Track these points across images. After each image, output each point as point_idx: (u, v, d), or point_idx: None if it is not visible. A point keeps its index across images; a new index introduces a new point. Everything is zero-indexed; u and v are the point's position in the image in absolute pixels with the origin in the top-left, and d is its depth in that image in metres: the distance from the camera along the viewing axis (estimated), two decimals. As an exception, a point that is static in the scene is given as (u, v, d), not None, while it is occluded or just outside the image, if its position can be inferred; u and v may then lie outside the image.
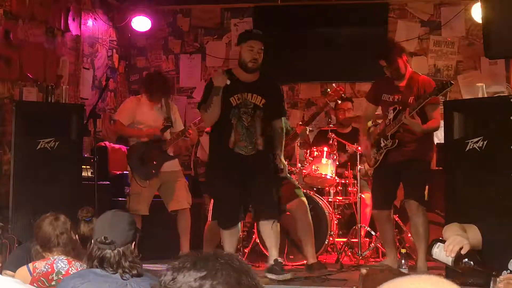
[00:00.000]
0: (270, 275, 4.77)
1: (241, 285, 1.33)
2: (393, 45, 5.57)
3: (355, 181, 6.25)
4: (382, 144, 5.31)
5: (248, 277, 1.35)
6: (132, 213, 5.72)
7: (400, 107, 5.20)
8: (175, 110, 6.14)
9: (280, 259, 4.86)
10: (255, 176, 4.95)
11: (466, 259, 2.50)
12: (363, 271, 2.99)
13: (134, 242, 2.74)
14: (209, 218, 5.85)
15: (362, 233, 6.15)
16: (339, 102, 6.64)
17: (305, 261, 5.45)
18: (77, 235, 3.60)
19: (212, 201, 5.85)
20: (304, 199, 5.53)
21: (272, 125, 5.15)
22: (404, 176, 5.28)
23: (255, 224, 5.84)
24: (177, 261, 1.37)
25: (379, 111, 5.70)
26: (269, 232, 4.91)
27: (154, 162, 5.83)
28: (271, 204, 4.95)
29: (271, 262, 4.86)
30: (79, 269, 3.13)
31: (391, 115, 5.28)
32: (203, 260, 1.35)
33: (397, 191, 5.48)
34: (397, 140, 5.22)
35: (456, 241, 2.55)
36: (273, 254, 4.90)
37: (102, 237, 2.64)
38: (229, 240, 5.06)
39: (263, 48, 5.03)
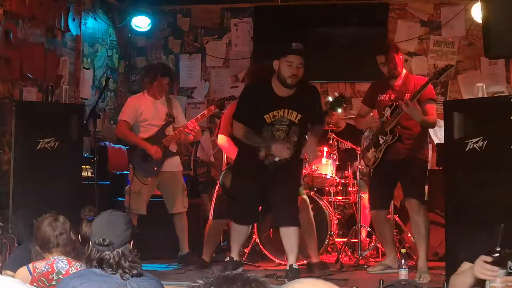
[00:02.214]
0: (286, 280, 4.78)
1: None
2: (389, 42, 5.60)
3: (355, 181, 6.25)
4: (381, 141, 5.30)
5: None
6: (133, 212, 5.73)
7: (397, 103, 5.21)
8: (176, 105, 6.10)
9: (295, 266, 4.84)
10: (278, 182, 4.93)
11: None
12: None
13: (131, 241, 2.73)
14: (211, 216, 5.84)
15: (363, 233, 6.15)
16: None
17: (305, 261, 5.46)
18: (79, 235, 3.60)
19: (214, 199, 5.85)
20: (306, 197, 5.54)
21: (310, 132, 5.04)
22: (403, 175, 5.28)
23: (255, 224, 5.84)
24: (202, 281, 1.32)
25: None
26: (289, 237, 4.88)
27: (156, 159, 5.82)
28: (292, 211, 4.94)
29: (287, 267, 4.87)
30: (79, 269, 3.13)
31: (387, 112, 5.29)
32: (230, 283, 1.31)
33: (395, 190, 5.49)
34: (397, 134, 5.23)
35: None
36: (289, 259, 4.90)
37: (100, 239, 2.62)
38: (237, 237, 5.05)
39: (302, 63, 4.87)
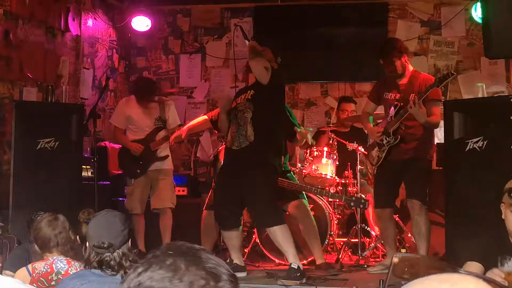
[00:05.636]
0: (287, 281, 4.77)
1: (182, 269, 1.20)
2: (393, 45, 5.48)
3: (355, 181, 6.25)
4: (385, 141, 5.31)
5: (194, 264, 1.21)
6: (130, 212, 5.78)
7: (402, 104, 5.21)
8: (168, 108, 6.11)
9: (294, 265, 4.79)
10: (248, 174, 4.88)
11: None
12: (395, 259, 2.86)
13: (130, 240, 2.72)
14: (204, 207, 5.82)
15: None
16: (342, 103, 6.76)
17: (305, 261, 5.46)
18: (77, 236, 3.60)
19: (211, 192, 5.86)
20: (305, 200, 5.53)
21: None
22: (406, 176, 5.28)
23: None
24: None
25: (380, 110, 5.71)
26: (275, 238, 4.87)
27: (141, 162, 5.86)
28: (269, 211, 4.89)
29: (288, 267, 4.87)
30: (78, 269, 3.12)
31: (392, 113, 5.30)
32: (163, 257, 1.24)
33: (399, 189, 5.49)
34: (399, 136, 5.23)
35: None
36: (288, 259, 4.88)
37: (100, 242, 2.60)
38: (228, 242, 5.07)
39: (268, 50, 5.14)
